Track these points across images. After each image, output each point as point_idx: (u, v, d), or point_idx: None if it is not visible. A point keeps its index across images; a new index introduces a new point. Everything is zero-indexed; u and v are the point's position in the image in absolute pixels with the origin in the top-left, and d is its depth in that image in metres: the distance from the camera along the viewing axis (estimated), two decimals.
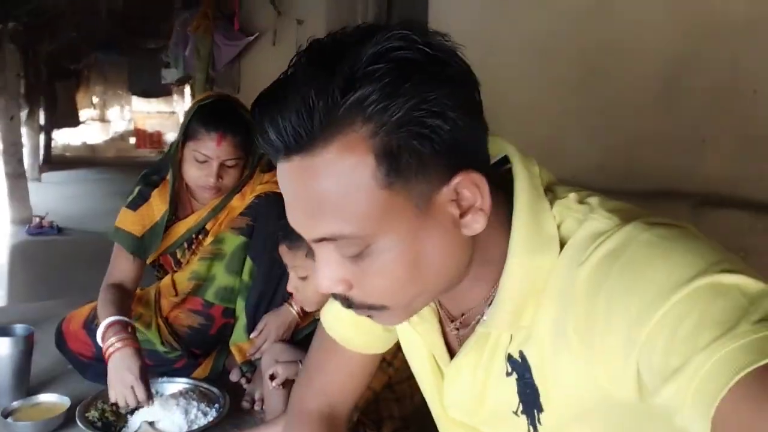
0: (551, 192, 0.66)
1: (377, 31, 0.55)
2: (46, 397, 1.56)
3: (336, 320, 0.88)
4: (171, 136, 9.87)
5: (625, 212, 0.60)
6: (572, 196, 0.63)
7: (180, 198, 1.80)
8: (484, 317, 0.67)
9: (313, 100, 0.53)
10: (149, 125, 10.71)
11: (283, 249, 1.42)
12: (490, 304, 0.65)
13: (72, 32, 6.38)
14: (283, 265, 1.45)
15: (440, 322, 0.74)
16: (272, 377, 1.52)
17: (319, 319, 1.63)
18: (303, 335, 1.75)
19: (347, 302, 0.63)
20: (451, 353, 0.74)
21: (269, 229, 1.66)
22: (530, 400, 0.65)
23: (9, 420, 1.45)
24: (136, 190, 1.78)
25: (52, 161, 7.52)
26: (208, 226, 1.78)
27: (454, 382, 0.73)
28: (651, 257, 0.53)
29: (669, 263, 0.52)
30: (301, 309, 1.72)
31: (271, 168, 1.84)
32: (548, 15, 2.01)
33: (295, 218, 0.60)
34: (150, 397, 1.46)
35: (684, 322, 0.48)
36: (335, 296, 0.64)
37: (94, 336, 1.72)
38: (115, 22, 6.76)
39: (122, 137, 11.19)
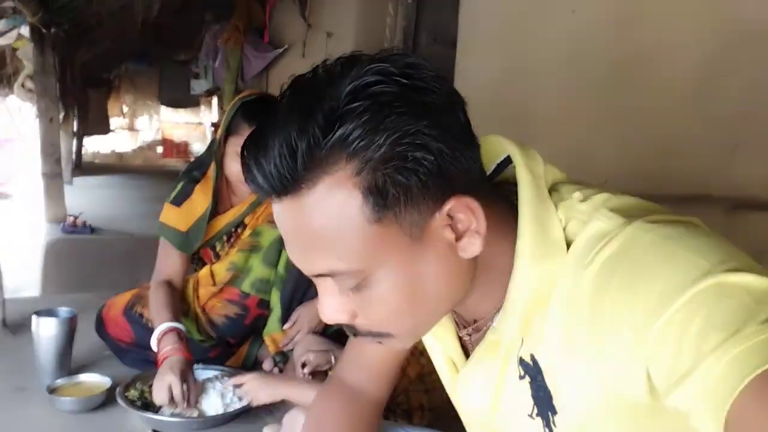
0: (556, 192, 0.65)
1: (355, 64, 0.56)
2: (87, 377, 1.61)
3: None
4: (198, 146, 10.03)
5: (629, 210, 0.59)
6: (576, 195, 0.63)
7: (220, 193, 1.86)
8: (494, 324, 0.67)
9: (295, 141, 0.54)
10: (176, 135, 10.90)
11: None
12: (499, 311, 0.66)
13: (107, 42, 6.56)
14: None
15: (456, 324, 0.76)
16: (304, 365, 1.56)
17: None
18: (335, 328, 1.80)
19: (353, 330, 0.64)
20: (468, 356, 0.75)
21: None
22: (544, 403, 0.65)
23: (53, 396, 1.50)
24: (180, 185, 1.84)
25: (82, 167, 7.69)
26: (246, 220, 1.84)
27: (467, 389, 0.74)
28: (655, 259, 0.53)
29: (673, 265, 0.52)
30: None
31: None
32: (579, 22, 2.05)
33: (293, 254, 0.61)
34: (186, 398, 1.46)
35: (690, 325, 0.48)
36: (343, 325, 0.65)
37: (133, 322, 1.78)
38: (147, 33, 6.93)
39: (150, 146, 11.39)
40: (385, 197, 0.55)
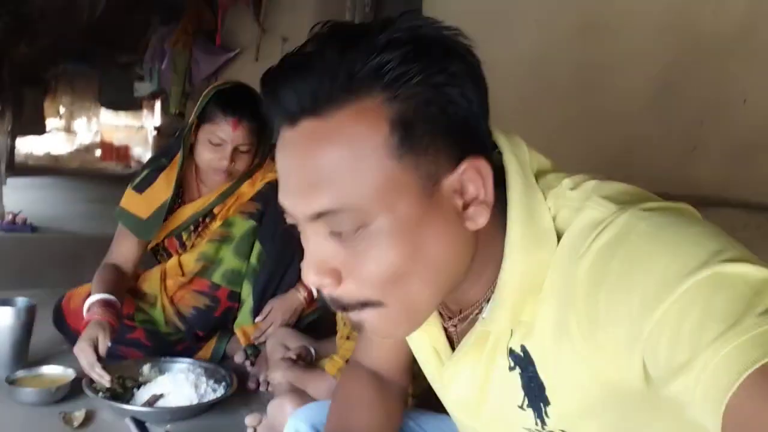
0: (543, 179, 0.63)
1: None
2: (50, 369, 1.54)
3: None
4: (138, 150, 9.71)
5: (620, 196, 0.58)
6: (566, 182, 0.61)
7: (187, 181, 1.83)
8: (483, 314, 0.65)
9: (336, 63, 0.54)
10: (116, 138, 10.52)
11: None
12: (488, 301, 0.64)
13: (48, 39, 6.31)
14: (291, 251, 1.48)
15: (441, 316, 0.73)
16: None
17: (324, 304, 1.67)
18: (308, 321, 1.78)
19: (337, 303, 0.59)
20: (453, 347, 0.72)
21: (280, 215, 1.70)
22: (536, 394, 0.63)
23: (14, 387, 1.42)
24: (144, 173, 1.80)
25: (15, 167, 7.31)
26: (215, 210, 1.81)
27: (454, 380, 0.71)
28: (651, 248, 0.52)
29: (670, 254, 0.51)
30: (308, 295, 1.75)
31: None
32: (542, 31, 2.13)
33: (292, 193, 0.58)
34: (91, 364, 1.43)
35: (688, 317, 0.47)
36: (323, 299, 0.60)
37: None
38: (88, 33, 6.71)
39: (87, 149, 10.95)
40: (411, 134, 0.54)
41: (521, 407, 0.65)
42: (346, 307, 0.59)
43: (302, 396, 1.33)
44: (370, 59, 0.54)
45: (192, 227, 1.81)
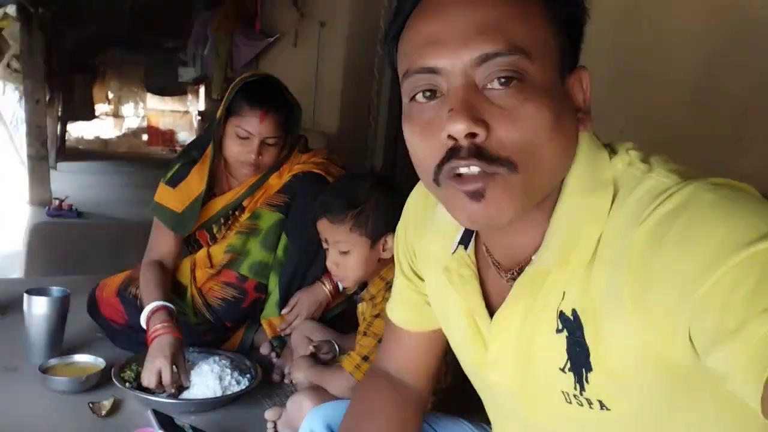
0: (610, 147, 0.67)
1: None
2: (81, 357, 1.58)
3: (395, 306, 0.93)
4: (183, 135, 9.92)
5: (686, 172, 0.60)
6: (634, 153, 0.64)
7: (218, 174, 1.84)
8: (534, 258, 0.66)
9: None
10: (162, 123, 10.78)
11: (323, 223, 1.41)
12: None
13: (94, 26, 6.46)
14: (317, 243, 1.47)
15: (482, 284, 0.74)
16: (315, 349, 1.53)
17: (349, 297, 1.66)
18: (333, 314, 1.78)
19: (475, 154, 0.59)
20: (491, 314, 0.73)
21: (306, 208, 1.70)
22: (580, 359, 0.63)
23: (46, 375, 1.47)
24: (176, 166, 1.82)
25: (67, 152, 7.56)
26: (244, 203, 1.82)
27: (500, 334, 0.71)
28: (712, 217, 0.52)
29: (730, 224, 0.51)
30: (333, 288, 1.75)
31: (308, 150, 1.88)
32: None
33: (452, 44, 0.59)
34: (177, 382, 1.46)
35: (742, 285, 0.47)
36: (458, 150, 0.59)
37: (127, 303, 1.75)
38: (135, 19, 6.84)
39: (135, 134, 11.24)
40: (559, 16, 0.62)
41: (562, 370, 0.65)
42: (481, 155, 0.59)
43: (322, 393, 1.33)
44: None
45: (222, 220, 1.82)
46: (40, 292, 1.64)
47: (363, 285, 1.46)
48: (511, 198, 0.60)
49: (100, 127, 10.87)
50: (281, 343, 1.75)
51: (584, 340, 0.62)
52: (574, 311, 0.63)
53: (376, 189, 1.40)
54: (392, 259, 1.41)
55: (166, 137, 10.39)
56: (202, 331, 1.76)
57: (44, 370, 1.49)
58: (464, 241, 0.76)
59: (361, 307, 1.46)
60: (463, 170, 0.60)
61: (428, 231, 0.81)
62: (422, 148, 0.63)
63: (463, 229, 0.76)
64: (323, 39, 4.28)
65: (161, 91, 9.36)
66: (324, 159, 1.84)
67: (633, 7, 1.89)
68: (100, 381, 1.50)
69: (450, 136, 0.59)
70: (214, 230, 1.83)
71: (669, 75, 1.79)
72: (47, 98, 5.33)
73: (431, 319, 0.89)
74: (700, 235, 0.52)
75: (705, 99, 1.68)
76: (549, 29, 0.61)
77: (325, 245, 1.44)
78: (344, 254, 1.39)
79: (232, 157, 1.74)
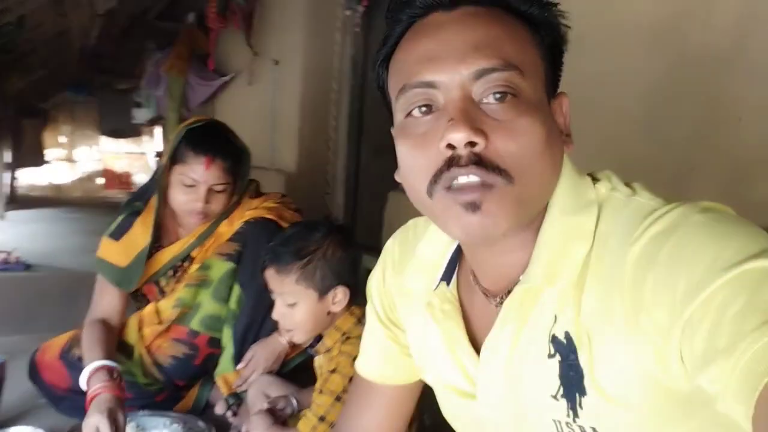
0: (589, 175, 0.69)
1: None
2: (19, 430, 1.46)
3: (368, 359, 0.90)
4: (140, 177, 9.72)
5: (668, 199, 0.62)
6: (616, 179, 0.67)
7: (165, 225, 1.76)
8: (521, 278, 0.66)
9: None
10: (118, 166, 10.56)
11: (270, 273, 1.36)
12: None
13: (42, 70, 6.32)
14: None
15: (465, 319, 0.75)
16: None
17: (308, 349, 1.59)
18: (292, 366, 1.71)
19: (474, 161, 0.59)
20: (478, 352, 0.72)
21: (259, 255, 1.63)
22: (573, 383, 0.63)
23: None
24: (119, 218, 1.75)
25: (17, 200, 7.30)
26: (193, 254, 1.74)
27: (490, 359, 0.70)
28: (702, 238, 0.53)
29: (720, 244, 0.52)
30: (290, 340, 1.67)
31: (260, 194, 1.82)
32: None
33: (448, 60, 0.62)
34: None
35: (732, 304, 0.48)
36: (457, 158, 0.60)
37: (70, 367, 1.65)
38: (85, 61, 6.73)
39: (90, 178, 10.97)
40: (543, 44, 0.66)
41: (554, 397, 0.64)
42: (480, 162, 0.59)
43: None
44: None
45: (170, 272, 1.74)
46: None
47: (319, 337, 1.40)
48: (507, 210, 0.61)
49: (52, 172, 10.59)
50: (238, 400, 1.66)
51: (578, 362, 0.62)
52: (567, 334, 0.63)
53: (327, 239, 1.35)
54: (344, 311, 1.37)
55: (123, 180, 10.17)
56: (153, 392, 1.67)
57: None
58: (446, 277, 0.76)
59: (318, 361, 1.39)
60: (462, 179, 0.60)
61: (409, 269, 0.80)
62: (417, 160, 0.63)
63: (445, 264, 0.76)
64: (278, 77, 4.26)
65: (116, 133, 9.17)
66: (277, 203, 1.78)
67: (578, 39, 1.90)
68: None
69: (449, 146, 0.60)
70: (162, 284, 1.75)
71: (618, 106, 1.80)
72: None
73: (406, 370, 0.87)
74: (690, 255, 0.53)
75: (656, 128, 1.69)
76: (536, 53, 0.65)
77: (272, 295, 1.38)
78: (290, 306, 1.33)
79: (179, 207, 1.67)
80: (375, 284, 0.89)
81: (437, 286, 0.76)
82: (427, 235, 0.78)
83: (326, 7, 3.77)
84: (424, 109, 0.63)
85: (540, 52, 0.65)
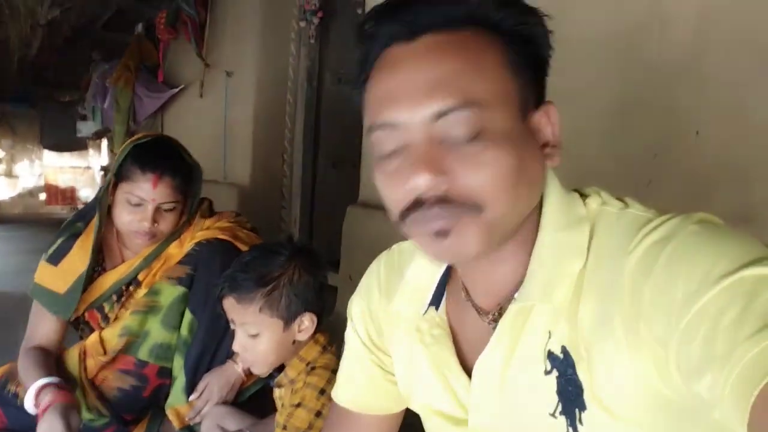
0: (576, 191, 0.69)
1: None
2: None
3: (347, 385, 0.88)
4: (85, 192, 9.39)
5: (660, 210, 0.62)
6: (605, 193, 0.67)
7: (109, 246, 1.66)
8: (516, 296, 0.66)
9: None
10: (62, 180, 10.17)
11: (229, 303, 1.26)
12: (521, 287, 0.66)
13: None
14: (225, 318, 1.32)
15: (456, 343, 0.74)
16: None
17: (267, 380, 1.51)
18: (247, 396, 1.62)
19: (440, 201, 0.60)
20: (470, 375, 0.71)
21: (212, 279, 1.55)
22: (572, 399, 0.62)
23: None
24: (58, 241, 1.63)
25: None
26: (140, 277, 1.63)
27: (484, 378, 0.69)
28: (698, 246, 0.54)
29: (716, 252, 0.52)
30: (246, 368, 1.59)
31: (213, 213, 1.74)
32: None
33: (411, 100, 0.60)
34: None
35: (728, 311, 0.48)
36: (422, 201, 0.60)
37: (5, 404, 1.54)
38: (27, 72, 6.47)
39: (31, 193, 10.54)
40: (518, 60, 0.62)
41: (553, 415, 0.63)
42: (445, 201, 0.59)
43: None
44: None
45: (115, 297, 1.63)
46: None
47: (280, 367, 1.32)
48: (477, 234, 0.61)
49: None
50: None
51: (577, 376, 0.61)
52: (564, 348, 0.62)
53: (292, 263, 1.26)
54: (309, 339, 1.29)
55: (67, 195, 9.81)
56: (98, 428, 1.55)
57: None
58: (435, 302, 0.76)
59: (279, 392, 1.31)
60: (428, 217, 0.61)
61: (398, 293, 0.79)
62: (389, 196, 0.64)
63: (434, 288, 0.76)
64: (230, 88, 4.18)
65: (59, 147, 8.84)
66: (231, 223, 1.69)
67: None
68: None
69: (414, 188, 0.60)
70: (106, 310, 1.63)
71: (575, 121, 1.79)
72: None
73: (387, 399, 0.85)
74: (687, 264, 0.53)
75: (614, 143, 1.69)
76: (508, 75, 0.62)
77: (232, 325, 1.29)
78: (253, 337, 1.24)
79: (124, 226, 1.57)
80: (357, 308, 0.87)
81: (426, 310, 0.76)
82: (416, 258, 0.77)
83: (280, 18, 3.71)
84: (391, 148, 0.63)
85: (514, 72, 0.62)
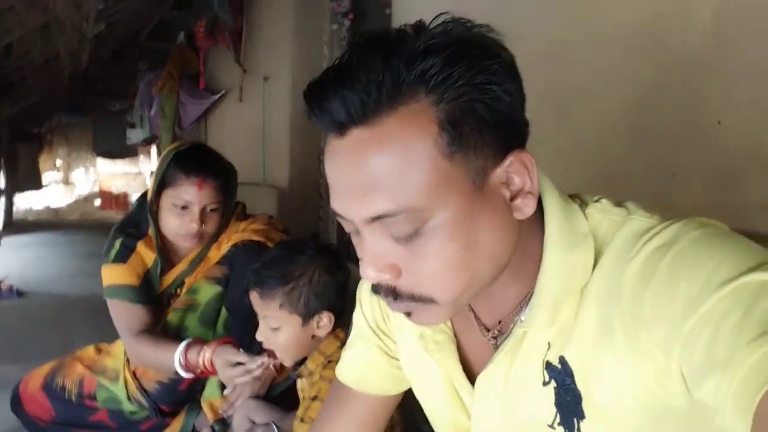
0: (577, 198, 0.67)
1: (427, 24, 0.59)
2: None
3: (350, 364, 0.88)
4: (137, 197, 9.73)
5: (662, 215, 0.61)
6: (605, 201, 0.65)
7: (165, 251, 1.75)
8: (522, 317, 0.65)
9: (381, 73, 0.55)
10: (115, 186, 10.58)
11: (254, 296, 1.33)
12: (525, 306, 0.65)
13: (33, 95, 6.33)
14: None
15: (458, 347, 0.74)
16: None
17: (293, 375, 1.56)
18: (278, 391, 1.68)
19: (392, 293, 0.60)
20: (471, 380, 0.72)
21: (245, 278, 1.62)
22: (570, 408, 0.62)
23: None
24: (118, 243, 1.69)
25: (14, 224, 7.30)
26: (186, 280, 1.72)
27: (485, 395, 0.70)
28: (700, 252, 0.53)
29: (717, 258, 0.52)
30: (278, 363, 1.65)
31: (246, 216, 1.81)
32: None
33: (345, 199, 0.59)
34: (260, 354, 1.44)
35: (729, 317, 0.48)
36: (378, 288, 0.61)
37: (53, 398, 1.63)
38: (77, 85, 6.75)
39: (87, 199, 10.99)
40: (459, 133, 0.56)
41: (551, 426, 0.64)
42: (397, 297, 0.60)
43: None
44: (414, 66, 0.55)
45: (165, 300, 1.72)
46: None
47: (303, 359, 1.37)
48: (437, 315, 0.62)
49: (49, 195, 10.60)
50: (224, 426, 1.63)
51: (575, 385, 0.61)
52: (561, 358, 0.62)
53: (314, 263, 1.31)
54: (329, 334, 1.34)
55: (120, 200, 10.19)
56: (138, 420, 1.64)
57: None
58: None
59: (301, 384, 1.36)
60: (386, 300, 0.62)
61: None
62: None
63: None
64: (268, 93, 4.27)
65: (111, 154, 9.19)
66: (264, 225, 1.76)
67: (561, 49, 1.90)
68: None
69: None
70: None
71: (601, 114, 1.78)
72: None
73: (388, 381, 0.86)
74: (688, 270, 0.52)
75: (637, 134, 1.67)
76: (444, 161, 0.56)
77: (258, 317, 1.36)
78: (274, 330, 1.30)
79: (172, 231, 1.64)
80: (366, 292, 0.87)
81: None
82: None
83: (313, 21, 3.78)
84: (349, 230, 0.63)
85: (453, 150, 0.56)
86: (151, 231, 1.67)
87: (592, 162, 1.81)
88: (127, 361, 1.68)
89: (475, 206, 0.58)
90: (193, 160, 1.62)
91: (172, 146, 1.71)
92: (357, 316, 0.89)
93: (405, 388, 0.88)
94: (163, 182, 1.63)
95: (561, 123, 1.89)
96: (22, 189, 8.19)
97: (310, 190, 3.87)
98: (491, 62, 0.57)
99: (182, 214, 1.61)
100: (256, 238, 1.69)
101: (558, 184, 2.11)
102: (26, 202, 9.71)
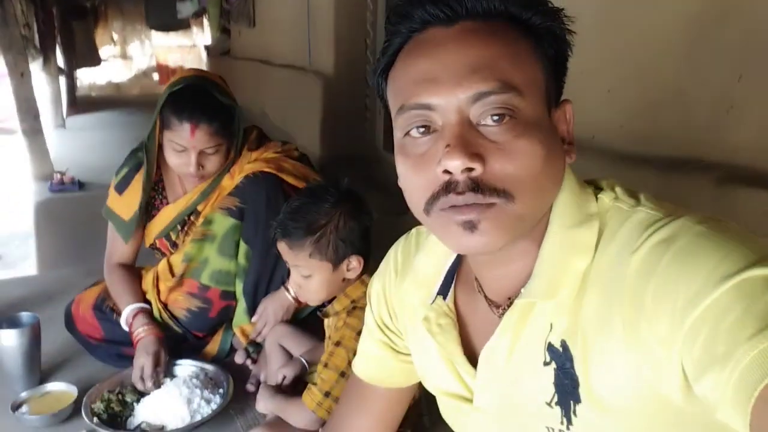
0: (593, 183, 0.69)
1: None
2: (54, 386, 1.58)
3: (363, 359, 0.94)
4: None
5: (672, 208, 0.62)
6: (620, 189, 0.67)
7: (170, 181, 1.78)
8: (523, 290, 0.67)
9: None
10: (171, 60, 10.54)
11: (282, 247, 1.37)
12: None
13: None
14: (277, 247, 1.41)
15: (460, 334, 0.76)
16: (282, 380, 1.49)
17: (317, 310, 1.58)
18: (303, 316, 1.73)
19: (473, 187, 0.60)
20: (476, 363, 0.74)
21: (259, 211, 1.64)
22: (568, 391, 0.64)
23: (18, 413, 1.48)
24: (123, 172, 1.78)
25: (78, 103, 7.51)
26: (199, 208, 1.75)
27: (487, 369, 0.72)
28: (702, 247, 0.53)
29: (720, 253, 0.52)
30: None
31: (259, 146, 1.77)
32: None
33: (450, 81, 0.60)
34: (156, 383, 1.55)
35: (730, 313, 0.48)
36: (455, 185, 0.60)
37: (103, 319, 1.75)
38: None
39: (145, 74, 11.06)
40: (546, 53, 0.64)
41: (549, 404, 0.66)
42: (477, 188, 0.60)
43: (282, 428, 1.32)
44: None
45: (179, 227, 1.76)
46: (10, 321, 1.63)
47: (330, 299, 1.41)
48: (504, 227, 0.61)
49: (110, 70, 10.72)
50: (257, 348, 1.72)
51: (573, 370, 0.63)
52: (563, 342, 0.64)
53: (338, 209, 1.33)
54: (357, 279, 1.36)
55: (177, 74, 10.21)
56: (178, 339, 1.74)
57: (16, 407, 1.50)
58: (443, 291, 0.78)
59: (327, 322, 1.41)
60: (459, 203, 0.61)
61: (407, 281, 0.82)
62: (415, 181, 0.64)
63: (443, 278, 0.78)
64: None
65: (164, 27, 9.08)
66: (276, 154, 1.73)
67: None
68: (74, 410, 1.50)
69: (446, 171, 0.60)
70: (173, 237, 1.77)
71: (660, 31, 1.57)
72: (41, 60, 5.22)
73: (400, 375, 0.91)
74: (690, 264, 0.53)
75: (698, 60, 1.47)
76: (537, 67, 0.63)
77: (287, 265, 1.41)
78: (306, 278, 1.35)
79: (176, 168, 1.68)
80: (375, 291, 0.91)
81: (434, 300, 0.77)
82: (426, 246, 0.79)
83: None
84: (422, 129, 0.63)
85: (542, 65, 0.64)
86: (143, 170, 1.71)
87: (646, 83, 1.63)
88: (158, 291, 1.75)
89: (549, 125, 0.64)
90: (187, 103, 1.59)
91: (171, 81, 1.70)
92: (367, 314, 0.93)
93: (415, 381, 0.92)
94: (161, 122, 1.64)
95: (617, 39, 1.68)
96: (80, 65, 8.31)
97: (356, 77, 3.74)
98: (566, 24, 0.65)
99: (180, 155, 1.64)
100: (267, 168, 1.68)
101: (600, 103, 1.93)
102: (88, 78, 9.89)
